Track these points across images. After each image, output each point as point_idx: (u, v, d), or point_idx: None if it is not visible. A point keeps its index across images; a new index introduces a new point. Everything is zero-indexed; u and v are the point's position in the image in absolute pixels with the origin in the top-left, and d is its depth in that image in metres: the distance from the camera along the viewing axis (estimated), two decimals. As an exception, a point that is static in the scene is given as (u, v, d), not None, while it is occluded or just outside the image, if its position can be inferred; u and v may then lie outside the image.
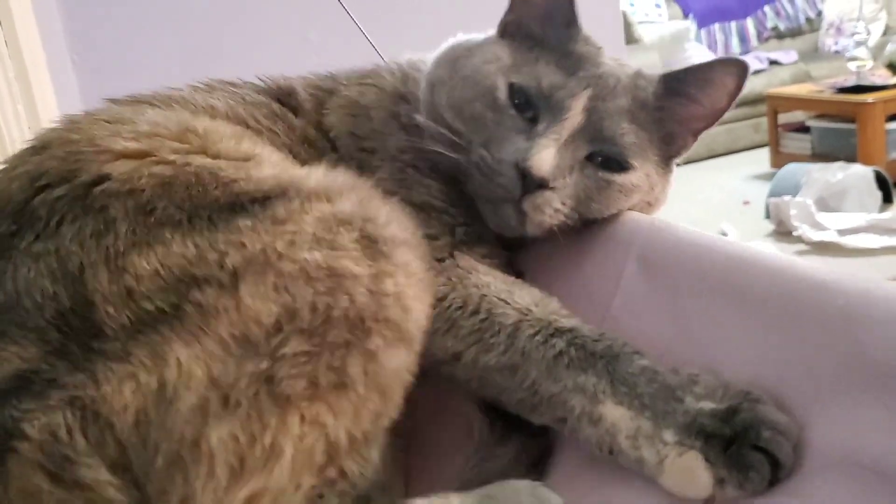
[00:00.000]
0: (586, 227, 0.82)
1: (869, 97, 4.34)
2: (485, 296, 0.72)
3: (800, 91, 4.96)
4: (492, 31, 0.89)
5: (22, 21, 1.41)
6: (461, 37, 0.91)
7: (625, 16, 4.98)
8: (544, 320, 0.69)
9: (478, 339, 0.70)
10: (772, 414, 0.59)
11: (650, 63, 5.15)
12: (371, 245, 0.61)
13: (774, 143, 4.91)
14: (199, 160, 0.64)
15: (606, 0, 2.31)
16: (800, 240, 3.41)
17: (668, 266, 0.74)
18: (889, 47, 4.97)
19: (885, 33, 5.74)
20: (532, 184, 0.75)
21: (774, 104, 4.93)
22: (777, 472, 0.57)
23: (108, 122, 0.68)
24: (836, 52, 5.84)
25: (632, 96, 0.82)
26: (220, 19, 1.77)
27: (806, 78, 5.52)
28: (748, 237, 3.45)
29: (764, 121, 5.11)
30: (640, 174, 0.81)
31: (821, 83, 4.93)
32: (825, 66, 5.58)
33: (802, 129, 4.83)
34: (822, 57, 5.92)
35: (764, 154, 5.01)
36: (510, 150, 0.77)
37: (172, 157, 0.63)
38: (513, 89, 0.80)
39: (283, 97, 0.87)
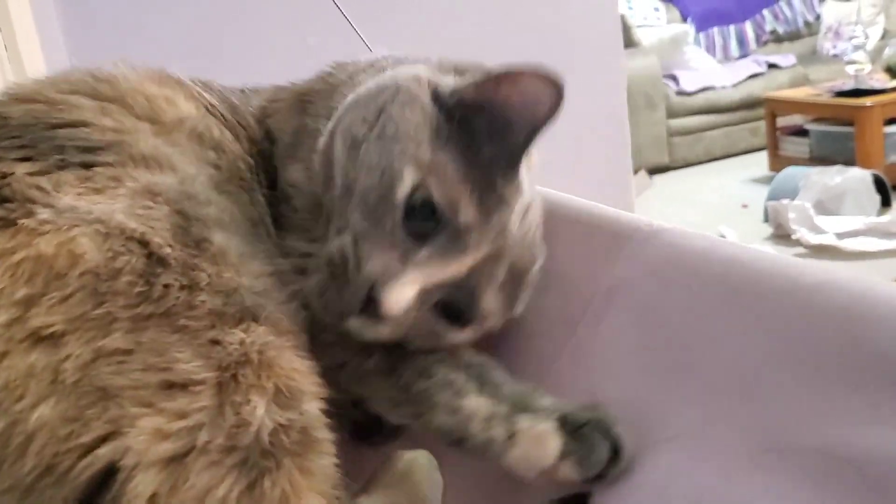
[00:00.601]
0: (569, 225, 0.82)
1: (867, 101, 4.35)
2: None
3: (798, 94, 4.97)
4: (438, 58, 0.78)
5: (21, 24, 1.41)
6: (402, 64, 0.79)
7: (623, 19, 4.99)
8: None
9: (362, 349, 0.70)
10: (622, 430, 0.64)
11: (649, 66, 5.17)
12: (184, 223, 0.62)
13: (773, 147, 4.92)
14: (74, 99, 0.70)
15: (605, 3, 2.32)
16: (798, 243, 3.42)
17: (664, 267, 0.75)
18: (887, 51, 4.98)
19: (883, 37, 5.75)
20: (373, 313, 0.66)
21: (772, 108, 4.94)
22: (611, 468, 0.63)
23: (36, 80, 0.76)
24: (835, 55, 5.86)
25: (513, 269, 0.73)
26: (220, 23, 1.77)
27: (804, 81, 5.53)
28: (747, 240, 3.46)
29: (762, 124, 5.12)
30: (473, 332, 0.74)
31: (819, 87, 4.94)
32: (823, 70, 5.60)
33: (801, 132, 4.84)
34: (820, 60, 5.94)
35: (762, 157, 5.02)
36: (376, 263, 0.66)
37: (54, 96, 0.70)
38: (417, 192, 0.67)
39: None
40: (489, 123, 0.70)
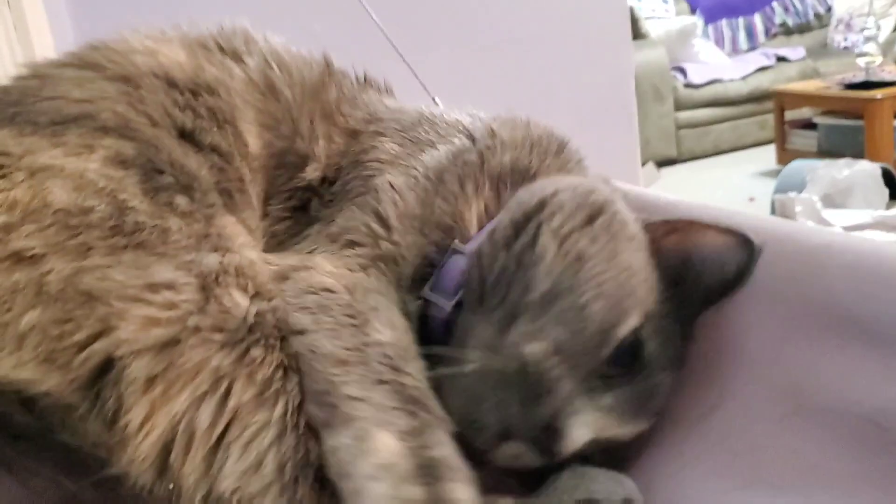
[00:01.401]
0: None
1: (878, 93, 4.31)
2: (375, 310, 0.65)
3: (807, 87, 4.94)
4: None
5: (29, 3, 1.41)
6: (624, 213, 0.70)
7: (632, 11, 4.97)
8: (414, 372, 0.61)
9: (331, 329, 0.62)
10: None
11: (657, 58, 5.15)
12: (151, 190, 0.65)
13: (780, 140, 4.90)
14: (59, 72, 0.74)
15: (613, -6, 2.31)
16: (805, 236, 3.40)
17: None
18: (898, 44, 4.95)
19: (895, 29, 5.72)
20: (544, 444, 0.60)
21: (781, 101, 4.91)
22: None
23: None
24: (846, 48, 5.82)
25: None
26: (226, 11, 1.77)
27: (814, 74, 5.50)
28: (754, 233, 3.44)
29: (770, 117, 5.10)
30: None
31: (829, 79, 4.91)
32: (834, 63, 5.57)
33: (809, 125, 4.81)
34: (830, 53, 5.90)
35: (770, 151, 5.00)
36: (567, 393, 0.60)
37: (48, 70, 0.75)
38: (632, 336, 0.63)
39: None
40: (680, 274, 0.68)
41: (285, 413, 0.58)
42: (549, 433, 0.59)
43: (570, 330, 0.61)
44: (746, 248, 0.65)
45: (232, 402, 0.57)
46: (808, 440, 0.58)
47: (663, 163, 5.18)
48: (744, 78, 5.49)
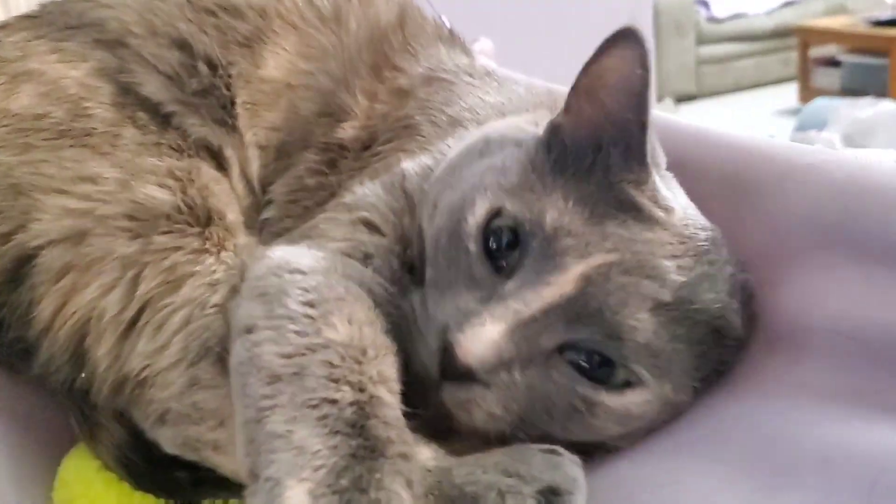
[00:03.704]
0: None
1: (905, 31, 4.22)
2: (341, 300, 0.54)
3: (832, 24, 4.82)
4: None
5: None
6: (511, 124, 0.69)
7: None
8: (360, 380, 0.50)
9: (278, 326, 0.52)
10: None
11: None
12: (120, 101, 0.70)
13: (803, 78, 4.81)
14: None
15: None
16: (823, 176, 3.37)
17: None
18: (930, -21, 4.80)
19: (926, -35, 5.54)
20: (454, 370, 0.53)
21: (804, 37, 4.81)
22: None
23: None
24: (875, -17, 5.65)
25: (679, 296, 0.56)
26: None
27: (841, 10, 5.35)
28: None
29: (794, 54, 4.99)
30: (648, 395, 0.56)
31: (856, 16, 4.78)
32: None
33: (833, 63, 4.72)
34: (859, -12, 5.74)
35: (792, 89, 4.91)
36: (449, 307, 0.55)
37: None
38: (494, 217, 0.57)
39: None
40: (594, 139, 0.59)
41: (193, 295, 0.60)
42: (448, 359, 0.54)
43: (430, 258, 0.62)
44: (630, 43, 0.57)
45: (140, 289, 0.60)
46: (796, 359, 0.59)
47: (682, 99, 5.10)
48: (769, 13, 5.36)
